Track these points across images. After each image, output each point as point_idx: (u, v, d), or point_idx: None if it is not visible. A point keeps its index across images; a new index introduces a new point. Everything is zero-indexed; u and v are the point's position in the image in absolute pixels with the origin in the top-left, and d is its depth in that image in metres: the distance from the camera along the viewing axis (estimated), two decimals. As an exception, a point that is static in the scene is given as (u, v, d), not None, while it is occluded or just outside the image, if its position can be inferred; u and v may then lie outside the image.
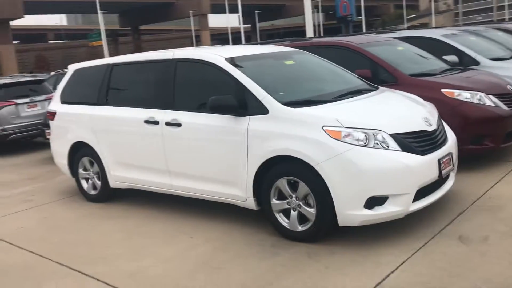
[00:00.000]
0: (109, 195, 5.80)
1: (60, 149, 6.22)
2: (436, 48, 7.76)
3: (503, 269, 3.33)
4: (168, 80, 4.97)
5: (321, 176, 3.83)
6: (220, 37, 76.62)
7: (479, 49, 7.84)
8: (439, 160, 4.09)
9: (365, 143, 3.84)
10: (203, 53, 4.85)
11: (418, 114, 4.30)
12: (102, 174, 5.70)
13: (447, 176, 4.38)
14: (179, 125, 4.75)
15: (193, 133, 4.68)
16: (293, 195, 4.07)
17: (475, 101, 5.65)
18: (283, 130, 4.07)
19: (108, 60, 5.94)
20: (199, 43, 65.54)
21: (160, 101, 5.00)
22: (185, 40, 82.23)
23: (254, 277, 3.58)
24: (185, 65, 4.93)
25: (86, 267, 4.03)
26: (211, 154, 4.55)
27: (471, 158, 5.94)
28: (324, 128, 3.89)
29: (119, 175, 5.51)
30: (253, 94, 4.27)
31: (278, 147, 4.05)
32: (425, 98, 5.54)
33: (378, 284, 3.29)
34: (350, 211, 3.80)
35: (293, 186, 4.06)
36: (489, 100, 5.69)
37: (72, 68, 6.31)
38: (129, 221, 5.13)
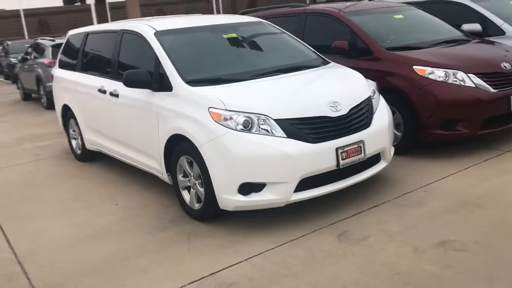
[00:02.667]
0: (90, 156, 6.22)
1: (57, 109, 6.77)
2: (462, 14, 6.92)
3: (344, 274, 3.08)
4: (115, 51, 5.14)
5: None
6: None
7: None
8: (337, 149, 3.79)
9: (246, 128, 3.68)
10: (137, 24, 4.89)
11: (325, 97, 3.96)
12: (80, 136, 6.15)
13: (363, 165, 4.06)
14: (117, 96, 4.93)
15: (126, 104, 4.82)
16: (192, 174, 4.08)
17: (450, 80, 4.99)
18: (180, 109, 4.05)
19: (86, 28, 6.23)
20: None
21: (108, 71, 5.21)
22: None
23: (123, 250, 3.71)
24: (127, 36, 5.02)
25: (8, 222, 4.48)
26: (137, 126, 4.67)
27: (445, 145, 5.38)
28: (210, 109, 3.80)
29: (90, 139, 5.89)
30: (164, 70, 4.27)
31: (175, 125, 4.05)
32: (396, 75, 5.13)
33: (213, 274, 3.24)
34: (225, 195, 3.72)
35: (192, 165, 4.06)
36: (469, 80, 5.00)
37: (67, 34, 6.74)
38: (86, 183, 5.50)
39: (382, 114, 4.29)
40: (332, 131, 3.83)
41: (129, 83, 4.38)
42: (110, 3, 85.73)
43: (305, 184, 3.76)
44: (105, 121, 5.32)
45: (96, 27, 6.00)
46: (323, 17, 6.19)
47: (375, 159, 4.26)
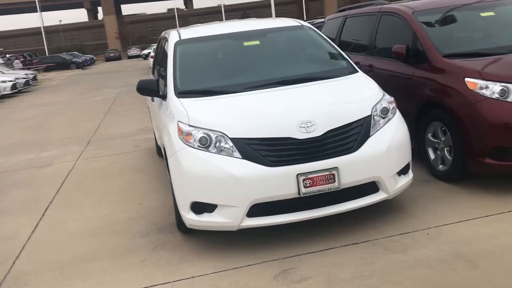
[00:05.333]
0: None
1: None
2: None
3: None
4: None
5: None
6: None
7: None
8: (298, 175, 3.38)
9: (204, 145, 3.54)
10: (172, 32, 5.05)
11: (297, 116, 3.53)
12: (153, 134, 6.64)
13: (353, 194, 3.55)
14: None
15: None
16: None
17: (510, 98, 3.95)
18: (165, 120, 4.10)
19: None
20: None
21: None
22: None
23: (94, 251, 3.95)
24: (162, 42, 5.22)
25: (53, 208, 5.14)
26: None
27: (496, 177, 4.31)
28: (178, 123, 3.76)
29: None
30: (167, 80, 4.35)
31: (160, 135, 4.13)
32: (446, 88, 4.39)
33: (133, 290, 3.25)
34: (182, 212, 3.66)
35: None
36: (536, 98, 3.89)
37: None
38: (143, 177, 5.93)
39: (384, 137, 3.64)
40: (296, 154, 3.43)
41: (140, 91, 4.57)
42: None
43: (265, 209, 3.47)
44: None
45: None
46: (394, 17, 5.46)
47: (374, 188, 3.67)
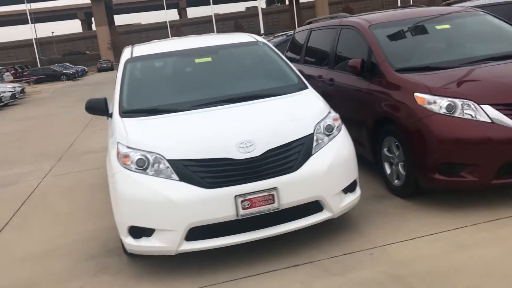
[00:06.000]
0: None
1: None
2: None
3: None
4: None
5: None
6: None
7: None
8: (236, 197, 3.31)
9: (141, 167, 3.47)
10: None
11: (236, 136, 3.47)
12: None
13: (298, 214, 3.49)
14: None
15: None
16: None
17: (457, 113, 3.90)
18: (109, 138, 4.05)
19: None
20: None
21: None
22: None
23: (40, 276, 3.87)
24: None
25: (8, 228, 5.06)
26: None
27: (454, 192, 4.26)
28: (118, 144, 3.69)
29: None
30: (114, 101, 4.29)
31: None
32: (397, 102, 4.34)
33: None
34: (121, 236, 3.59)
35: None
36: (483, 113, 3.83)
37: None
38: (104, 196, 5.85)
39: (326, 156, 3.58)
40: (234, 175, 3.36)
41: (89, 110, 4.49)
42: (302, 3, 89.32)
43: (205, 232, 3.39)
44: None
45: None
46: (352, 30, 5.42)
47: (318, 207, 3.61)
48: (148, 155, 3.47)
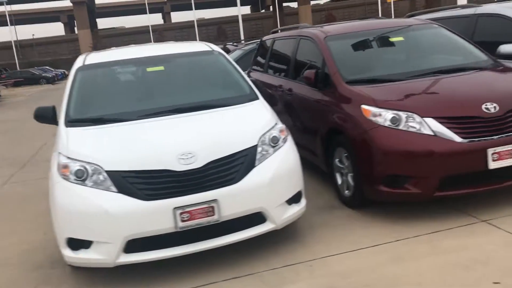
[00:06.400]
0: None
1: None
2: (505, 30, 5.48)
3: None
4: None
5: None
6: None
7: None
8: (175, 209, 3.30)
9: (80, 178, 3.44)
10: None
11: (177, 147, 3.46)
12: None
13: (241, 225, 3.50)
14: None
15: None
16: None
17: (401, 126, 3.96)
18: (53, 147, 4.01)
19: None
20: None
21: None
22: None
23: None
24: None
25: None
26: None
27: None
28: (59, 154, 3.66)
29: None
30: (61, 110, 4.25)
31: None
32: (345, 114, 4.37)
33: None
34: (60, 247, 3.55)
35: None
36: (426, 126, 3.89)
37: None
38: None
39: (269, 167, 3.59)
40: (174, 187, 3.36)
41: (37, 119, 4.44)
42: (286, 10, 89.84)
43: (145, 244, 3.37)
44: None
45: None
46: (309, 41, 5.46)
47: (261, 219, 3.61)
48: (87, 166, 3.45)
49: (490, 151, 3.80)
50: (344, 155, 4.47)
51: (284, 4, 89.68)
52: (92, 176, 3.42)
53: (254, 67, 7.40)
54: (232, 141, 3.61)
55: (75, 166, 3.47)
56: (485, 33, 5.73)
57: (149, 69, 4.57)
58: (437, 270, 3.24)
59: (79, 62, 4.71)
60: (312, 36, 5.39)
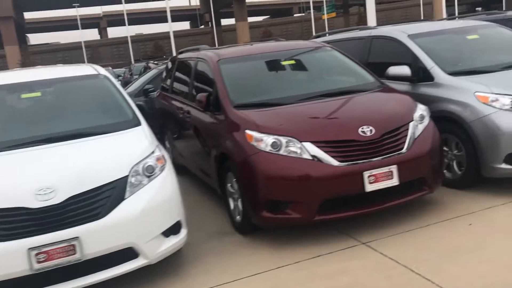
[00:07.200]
0: None
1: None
2: (396, 52, 5.65)
3: None
4: None
5: None
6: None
7: (456, 56, 5.37)
8: (29, 250, 3.07)
9: None
10: None
11: (35, 182, 3.25)
12: None
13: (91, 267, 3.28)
14: None
15: None
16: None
17: (281, 151, 3.93)
18: None
19: None
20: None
21: None
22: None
23: None
24: None
25: None
26: None
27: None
28: None
29: None
30: None
31: None
32: (232, 139, 4.27)
33: None
34: None
35: None
36: (305, 150, 3.89)
37: None
38: None
39: (141, 199, 3.44)
40: (29, 226, 3.14)
41: None
42: (224, 26, 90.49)
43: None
44: None
45: None
46: (204, 63, 5.38)
47: (134, 254, 3.43)
48: None
49: (366, 173, 3.85)
50: (233, 180, 4.39)
51: (223, 20, 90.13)
52: None
53: (161, 88, 7.24)
54: (98, 173, 3.42)
55: None
56: (379, 55, 5.89)
57: (23, 96, 4.32)
58: (309, 298, 3.20)
59: None
60: (207, 59, 5.32)
